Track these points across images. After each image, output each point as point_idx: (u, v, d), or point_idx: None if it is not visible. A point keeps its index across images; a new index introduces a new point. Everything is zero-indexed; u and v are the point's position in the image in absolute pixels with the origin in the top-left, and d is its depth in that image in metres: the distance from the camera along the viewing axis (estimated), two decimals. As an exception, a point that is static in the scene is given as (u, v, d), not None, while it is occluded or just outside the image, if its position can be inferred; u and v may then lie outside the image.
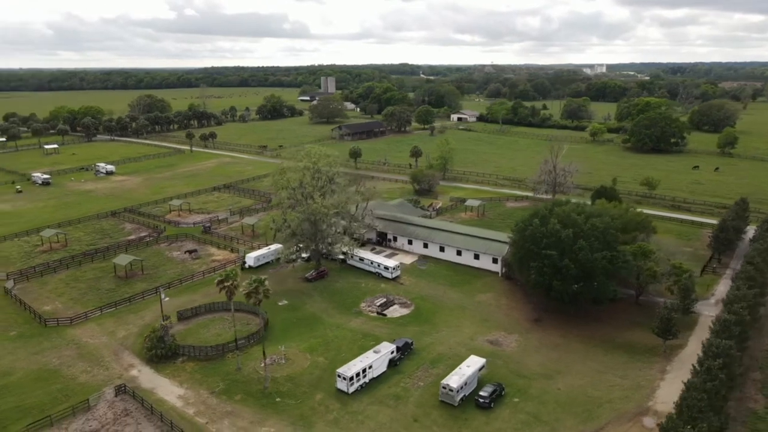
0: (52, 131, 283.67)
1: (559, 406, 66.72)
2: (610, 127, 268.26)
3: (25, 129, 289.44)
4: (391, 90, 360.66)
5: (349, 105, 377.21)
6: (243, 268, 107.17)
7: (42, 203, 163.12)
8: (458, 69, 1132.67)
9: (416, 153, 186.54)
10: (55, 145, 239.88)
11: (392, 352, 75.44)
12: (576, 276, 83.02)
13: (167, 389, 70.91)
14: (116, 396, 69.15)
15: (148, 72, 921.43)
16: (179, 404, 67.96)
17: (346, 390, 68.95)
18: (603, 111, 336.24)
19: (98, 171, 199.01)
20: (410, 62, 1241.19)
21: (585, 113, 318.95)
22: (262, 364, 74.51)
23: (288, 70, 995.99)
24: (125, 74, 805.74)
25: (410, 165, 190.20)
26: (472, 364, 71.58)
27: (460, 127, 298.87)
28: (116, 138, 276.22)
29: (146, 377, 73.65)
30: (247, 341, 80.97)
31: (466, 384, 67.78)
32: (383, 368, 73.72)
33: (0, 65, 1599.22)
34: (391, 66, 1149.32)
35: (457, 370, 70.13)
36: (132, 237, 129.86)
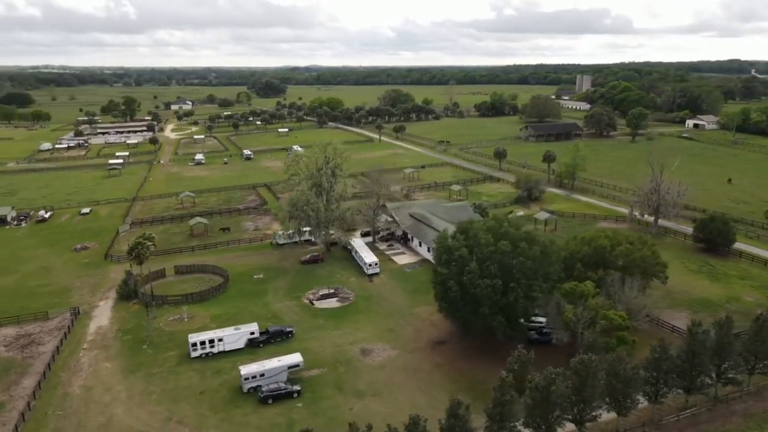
0: (288, 117, 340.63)
1: (328, 422, 63.32)
2: None
3: (287, 114, 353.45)
4: (629, 90, 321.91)
5: (583, 105, 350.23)
6: (272, 244, 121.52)
7: (228, 173, 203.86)
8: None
9: (549, 157, 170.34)
10: (287, 129, 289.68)
11: (252, 333, 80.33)
12: (464, 301, 73.56)
13: (98, 320, 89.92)
14: (69, 314, 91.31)
15: (461, 69, 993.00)
16: (91, 330, 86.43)
17: (189, 353, 77.57)
18: None
19: (290, 152, 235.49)
20: (747, 59, 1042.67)
21: None
22: (173, 318, 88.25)
23: (598, 68, 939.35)
24: (422, 71, 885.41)
25: (554, 171, 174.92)
26: (285, 359, 72.08)
27: (684, 134, 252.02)
28: (340, 126, 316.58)
29: (101, 308, 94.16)
30: (185, 299, 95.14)
31: (262, 375, 69.36)
32: (239, 345, 79.33)
33: (352, 63, 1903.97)
34: (719, 63, 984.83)
35: (266, 361, 71.91)
36: (240, 206, 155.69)
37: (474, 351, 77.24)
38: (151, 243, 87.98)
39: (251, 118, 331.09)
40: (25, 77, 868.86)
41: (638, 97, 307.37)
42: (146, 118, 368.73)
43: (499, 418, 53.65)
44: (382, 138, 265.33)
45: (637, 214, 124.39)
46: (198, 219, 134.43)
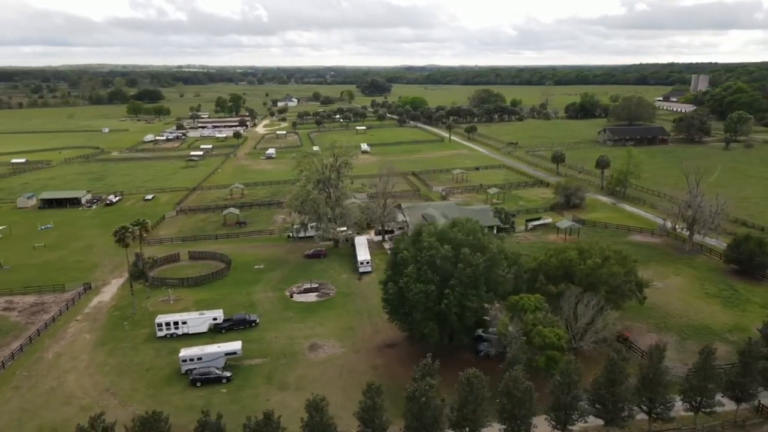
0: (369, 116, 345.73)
1: (241, 409, 65.07)
2: None
3: (371, 112, 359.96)
4: (742, 91, 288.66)
5: (689, 107, 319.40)
6: (289, 237, 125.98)
7: (289, 167, 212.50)
8: None
9: (601, 163, 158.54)
10: (365, 127, 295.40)
11: (215, 319, 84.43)
12: (402, 305, 72.17)
13: (103, 296, 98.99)
14: (82, 289, 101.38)
15: (575, 68, 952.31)
16: (92, 305, 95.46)
17: (155, 332, 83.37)
18: None
19: (358, 150, 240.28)
20: None
21: None
22: (162, 299, 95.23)
23: (730, 66, 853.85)
24: (533, 71, 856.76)
25: (611, 176, 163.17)
26: (224, 346, 75.06)
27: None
28: (419, 125, 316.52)
29: (111, 286, 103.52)
30: (181, 282, 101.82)
31: (200, 359, 72.93)
32: (203, 329, 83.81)
33: (471, 63, 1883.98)
34: None
35: (206, 346, 75.43)
36: (281, 199, 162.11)
37: (418, 357, 75.07)
38: (138, 228, 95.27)
39: (338, 116, 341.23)
40: (163, 75, 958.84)
41: (750, 100, 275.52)
42: (245, 114, 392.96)
43: (370, 423, 52.71)
44: (452, 138, 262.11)
45: (669, 227, 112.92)
46: (231, 209, 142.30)
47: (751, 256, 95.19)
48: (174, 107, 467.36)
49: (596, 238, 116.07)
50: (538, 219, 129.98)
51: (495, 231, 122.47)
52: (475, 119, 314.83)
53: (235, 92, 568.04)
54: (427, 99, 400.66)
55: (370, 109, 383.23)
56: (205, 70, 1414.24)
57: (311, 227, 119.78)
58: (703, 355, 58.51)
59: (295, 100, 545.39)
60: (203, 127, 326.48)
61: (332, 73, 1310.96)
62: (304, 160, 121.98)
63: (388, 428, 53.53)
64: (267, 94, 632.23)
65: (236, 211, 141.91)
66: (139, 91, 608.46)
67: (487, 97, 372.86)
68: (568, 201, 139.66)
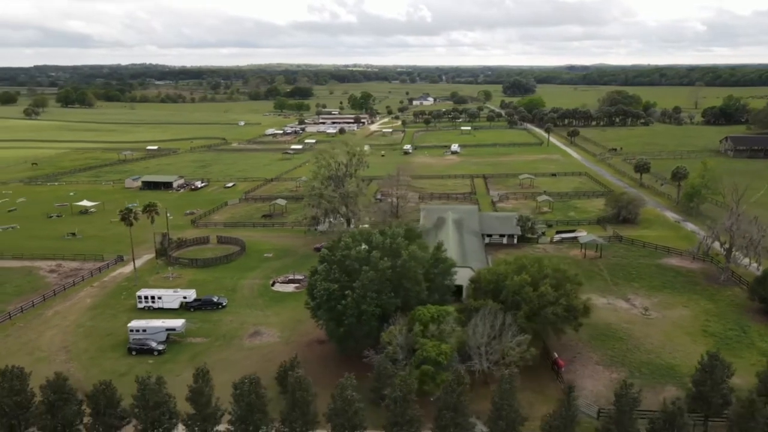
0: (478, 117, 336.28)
1: (151, 380, 70.88)
2: None
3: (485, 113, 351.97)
4: None
5: None
6: (307, 230, 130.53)
7: (379, 164, 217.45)
8: None
9: (678, 175, 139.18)
10: (469, 128, 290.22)
11: (185, 297, 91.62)
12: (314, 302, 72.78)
13: (127, 268, 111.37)
14: (113, 260, 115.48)
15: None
16: (113, 274, 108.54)
17: (136, 304, 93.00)
18: None
19: (447, 150, 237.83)
20: None
21: None
22: (164, 276, 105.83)
23: None
24: (704, 70, 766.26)
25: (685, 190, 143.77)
26: (168, 322, 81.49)
27: None
28: (527, 127, 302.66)
29: (139, 260, 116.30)
30: (194, 262, 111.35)
31: (144, 331, 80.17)
32: (174, 306, 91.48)
33: (648, 61, 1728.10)
34: None
35: (153, 320, 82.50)
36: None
37: (336, 357, 75.16)
38: (150, 210, 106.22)
39: (447, 116, 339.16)
40: (323, 74, 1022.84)
41: None
42: (360, 112, 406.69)
43: (242, 421, 54.33)
44: (552, 142, 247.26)
45: (696, 251, 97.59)
46: (278, 200, 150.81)
47: (777, 287, 79.47)
48: (319, 103, 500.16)
49: (626, 255, 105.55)
50: (571, 231, 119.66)
51: (515, 240, 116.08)
52: (593, 122, 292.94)
53: (379, 90, 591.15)
54: (561, 100, 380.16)
55: (497, 110, 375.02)
56: (369, 69, 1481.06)
57: (329, 222, 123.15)
58: (618, 396, 51.26)
59: (431, 99, 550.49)
60: (323, 123, 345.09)
61: (489, 72, 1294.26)
62: (321, 156, 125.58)
63: (221, 416, 55.52)
64: (407, 93, 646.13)
65: (282, 202, 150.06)
66: (293, 89, 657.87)
67: (621, 99, 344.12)
68: (619, 214, 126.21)
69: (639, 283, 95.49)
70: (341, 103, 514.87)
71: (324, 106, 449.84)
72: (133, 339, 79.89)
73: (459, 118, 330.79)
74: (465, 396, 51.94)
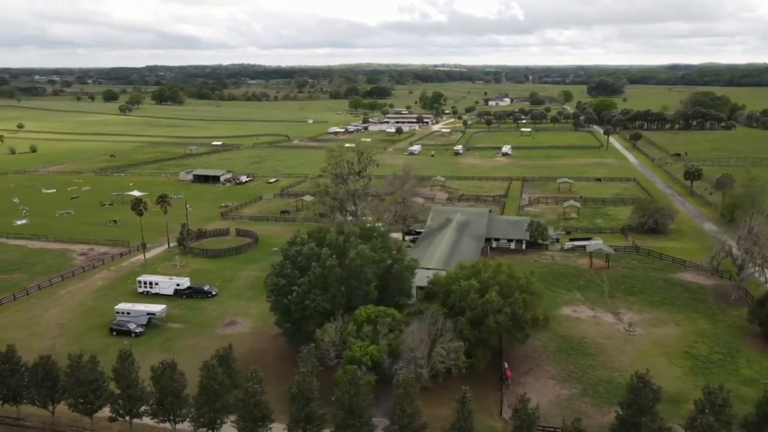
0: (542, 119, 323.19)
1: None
2: None
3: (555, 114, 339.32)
4: None
5: None
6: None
7: (419, 163, 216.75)
8: None
9: (722, 184, 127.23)
10: (529, 129, 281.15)
11: (178, 285, 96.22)
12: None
13: (147, 254, 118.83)
14: (136, 247, 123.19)
15: None
16: (131, 260, 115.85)
17: (136, 288, 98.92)
18: None
19: (498, 152, 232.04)
20: None
21: None
22: (172, 263, 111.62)
23: None
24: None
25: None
26: (150, 307, 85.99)
27: None
28: (593, 129, 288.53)
29: (160, 248, 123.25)
30: (204, 252, 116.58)
31: (128, 314, 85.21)
32: (169, 292, 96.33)
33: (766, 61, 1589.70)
34: None
35: (137, 304, 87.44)
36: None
37: (294, 351, 76.18)
38: (162, 201, 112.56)
39: (521, 116, 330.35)
40: (407, 74, 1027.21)
41: None
42: (429, 112, 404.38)
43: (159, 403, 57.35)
44: (611, 145, 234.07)
45: (708, 267, 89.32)
46: (306, 197, 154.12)
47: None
48: (396, 103, 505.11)
49: (637, 268, 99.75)
50: (586, 239, 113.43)
51: (524, 246, 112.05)
52: (667, 125, 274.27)
53: (459, 90, 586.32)
54: (646, 101, 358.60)
55: (571, 110, 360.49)
56: (455, 69, 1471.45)
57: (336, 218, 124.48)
58: (516, 410, 49.27)
59: (507, 100, 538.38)
60: (385, 122, 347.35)
61: (581, 72, 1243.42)
62: (332, 153, 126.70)
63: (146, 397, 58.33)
64: (485, 93, 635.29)
65: (309, 198, 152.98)
66: (372, 88, 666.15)
67: (704, 101, 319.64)
68: (645, 224, 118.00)
69: (638, 297, 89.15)
70: (415, 102, 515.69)
71: (392, 106, 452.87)
72: (118, 320, 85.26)
73: (522, 119, 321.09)
74: (362, 398, 51.31)
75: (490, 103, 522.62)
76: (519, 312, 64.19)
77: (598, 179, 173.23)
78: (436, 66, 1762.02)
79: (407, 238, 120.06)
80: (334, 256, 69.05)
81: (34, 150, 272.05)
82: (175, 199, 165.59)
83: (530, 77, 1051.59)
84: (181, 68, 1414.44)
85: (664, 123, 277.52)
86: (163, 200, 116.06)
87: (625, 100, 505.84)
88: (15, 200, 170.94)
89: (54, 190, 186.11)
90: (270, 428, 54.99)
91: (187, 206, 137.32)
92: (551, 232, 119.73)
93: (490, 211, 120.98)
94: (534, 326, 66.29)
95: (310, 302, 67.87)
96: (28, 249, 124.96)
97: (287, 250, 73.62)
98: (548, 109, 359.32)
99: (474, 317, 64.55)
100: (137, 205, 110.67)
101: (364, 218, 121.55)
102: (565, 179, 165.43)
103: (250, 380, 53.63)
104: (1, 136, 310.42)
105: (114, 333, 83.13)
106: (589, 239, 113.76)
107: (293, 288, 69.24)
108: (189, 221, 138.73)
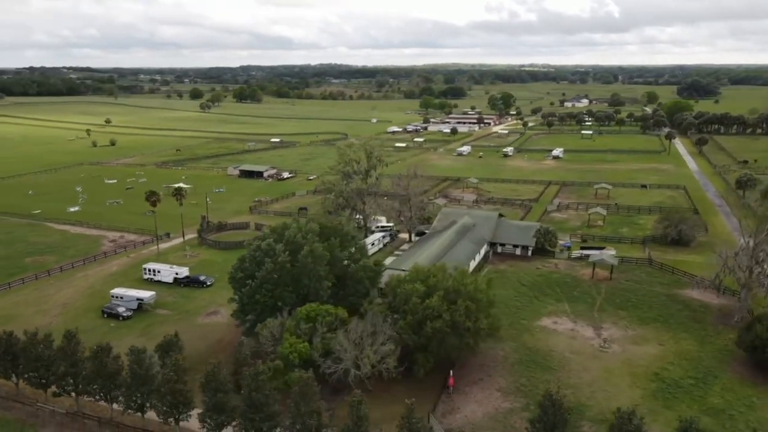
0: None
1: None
2: None
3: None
4: None
5: None
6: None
7: (462, 165, 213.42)
8: None
9: (743, 182, 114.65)
10: (590, 132, 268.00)
11: (177, 274, 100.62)
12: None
13: (168, 244, 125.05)
14: (159, 237, 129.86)
15: None
16: (151, 249, 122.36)
17: (143, 275, 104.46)
18: None
19: (548, 155, 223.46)
20: None
21: None
22: (183, 254, 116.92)
23: None
24: None
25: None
26: (140, 293, 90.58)
27: None
28: (658, 133, 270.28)
29: (179, 238, 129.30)
30: (217, 244, 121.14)
31: (121, 298, 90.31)
32: (169, 280, 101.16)
33: None
34: None
35: (130, 289, 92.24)
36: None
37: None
38: (177, 193, 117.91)
39: (584, 118, 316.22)
40: (486, 74, 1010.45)
41: None
42: (494, 113, 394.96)
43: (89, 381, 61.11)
44: (675, 150, 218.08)
45: (710, 284, 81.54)
46: (328, 195, 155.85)
47: (765, 345, 64.30)
48: (468, 103, 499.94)
49: (643, 281, 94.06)
50: (598, 249, 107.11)
51: (529, 252, 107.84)
52: (748, 130, 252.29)
53: (539, 90, 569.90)
54: (742, 104, 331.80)
55: (648, 111, 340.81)
56: (542, 69, 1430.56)
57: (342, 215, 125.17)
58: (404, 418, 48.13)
59: (585, 101, 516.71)
60: (445, 122, 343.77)
61: (679, 71, 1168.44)
62: (340, 152, 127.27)
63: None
64: (564, 94, 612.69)
65: (330, 196, 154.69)
66: (446, 89, 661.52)
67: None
68: (667, 236, 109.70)
69: (629, 312, 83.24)
70: (487, 102, 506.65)
71: (456, 106, 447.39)
72: (110, 304, 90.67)
73: (586, 121, 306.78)
74: (264, 392, 51.68)
75: (566, 104, 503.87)
76: (459, 319, 61.98)
77: (644, 186, 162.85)
78: (523, 66, 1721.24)
79: (414, 238, 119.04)
80: (287, 253, 69.88)
81: (113, 143, 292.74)
82: (215, 193, 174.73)
83: (620, 77, 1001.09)
84: (272, 68, 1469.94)
85: (745, 127, 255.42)
86: (177, 193, 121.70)
87: (716, 102, 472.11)
88: (78, 189, 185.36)
89: (115, 181, 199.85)
90: (190, 415, 56.72)
91: (207, 200, 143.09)
92: (566, 239, 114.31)
93: (500, 215, 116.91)
94: (476, 335, 63.71)
95: (261, 297, 69.10)
96: (70, 234, 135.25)
97: (250, 244, 75.29)
98: (618, 111, 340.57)
99: (414, 322, 63.14)
100: (150, 196, 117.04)
101: (373, 218, 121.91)
102: (603, 185, 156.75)
103: (169, 368, 55.54)
104: (88, 130, 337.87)
105: (105, 315, 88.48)
106: (601, 248, 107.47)
107: (247, 282, 70.80)
108: (221, 215, 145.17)
